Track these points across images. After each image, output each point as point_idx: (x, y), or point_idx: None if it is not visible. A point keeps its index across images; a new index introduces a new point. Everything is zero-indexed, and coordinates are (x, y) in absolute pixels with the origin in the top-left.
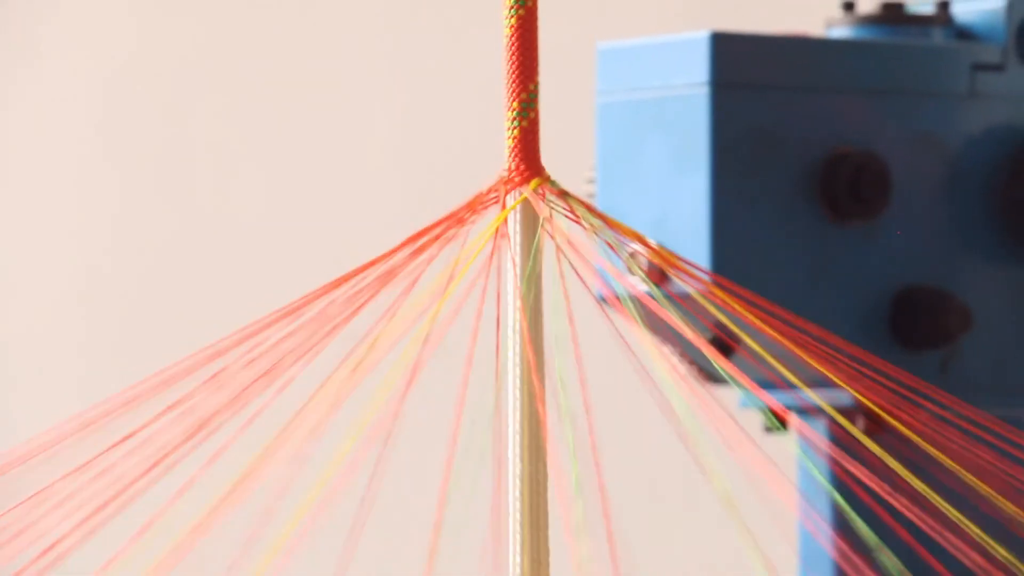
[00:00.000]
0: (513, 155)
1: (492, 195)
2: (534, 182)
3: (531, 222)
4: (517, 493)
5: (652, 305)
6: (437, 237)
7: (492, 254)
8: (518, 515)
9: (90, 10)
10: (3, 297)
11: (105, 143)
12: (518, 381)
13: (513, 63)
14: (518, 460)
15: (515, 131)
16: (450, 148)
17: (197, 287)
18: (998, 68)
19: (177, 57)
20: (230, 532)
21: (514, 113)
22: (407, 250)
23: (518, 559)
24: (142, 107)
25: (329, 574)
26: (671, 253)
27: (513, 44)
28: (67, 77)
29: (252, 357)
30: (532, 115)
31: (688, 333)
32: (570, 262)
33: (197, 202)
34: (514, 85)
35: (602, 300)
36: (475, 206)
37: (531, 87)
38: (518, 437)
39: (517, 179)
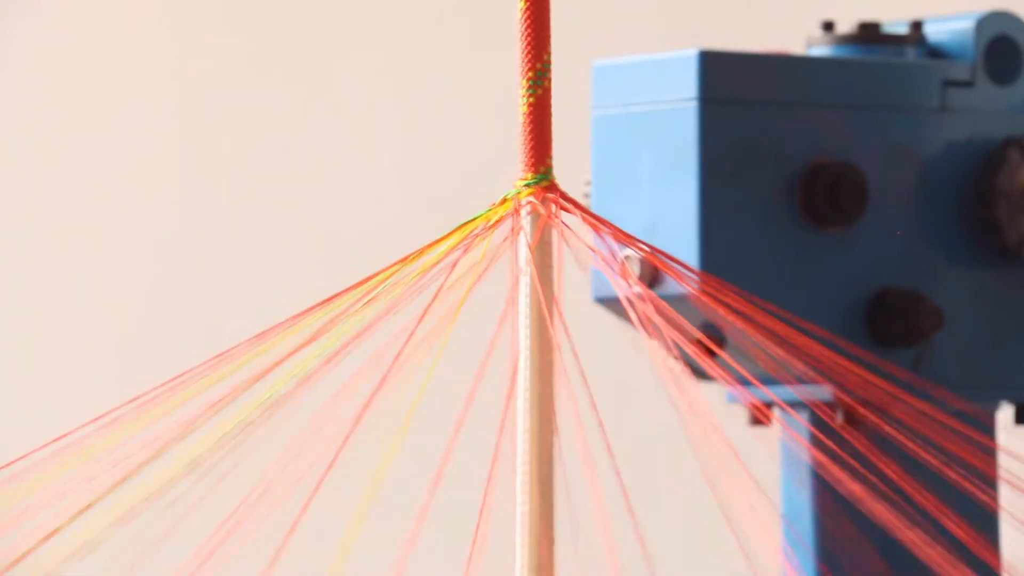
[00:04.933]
0: (526, 166)
1: (507, 204)
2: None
3: (545, 234)
4: (524, 490)
5: (645, 305)
6: (465, 239)
7: (477, 256)
8: (525, 511)
9: (106, 13)
10: (24, 296)
11: (127, 147)
12: (529, 379)
13: (531, 142)
14: (526, 458)
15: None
16: (468, 157)
17: (208, 290)
18: (968, 84)
19: (195, 65)
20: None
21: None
22: (434, 252)
23: (524, 556)
24: (162, 113)
25: (334, 571)
26: (664, 255)
27: (531, 125)
28: (86, 75)
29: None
30: (545, 120)
31: (678, 331)
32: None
33: (212, 204)
34: (529, 166)
35: (601, 301)
36: (496, 214)
37: (547, 163)
38: (527, 434)
39: (530, 189)
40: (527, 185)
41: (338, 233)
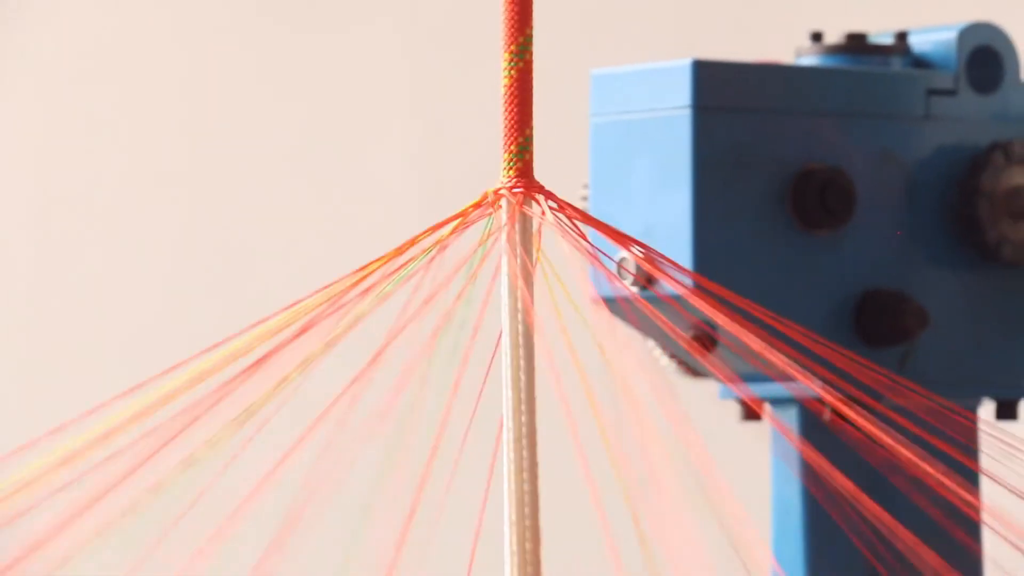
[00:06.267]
0: (507, 137)
1: (488, 201)
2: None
3: (526, 228)
4: (511, 489)
5: (640, 306)
6: (443, 238)
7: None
8: (511, 510)
9: (117, 17)
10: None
11: (136, 145)
12: (513, 377)
13: (511, 112)
14: (511, 458)
15: (513, 165)
16: (456, 160)
17: (216, 292)
18: (951, 93)
19: (205, 68)
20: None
21: (511, 154)
22: (412, 251)
23: (513, 552)
24: (173, 117)
25: (330, 570)
26: (658, 256)
27: (511, 96)
28: (98, 79)
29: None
30: (526, 92)
31: (672, 330)
32: (549, 268)
33: (219, 207)
34: (511, 133)
35: (594, 302)
36: (473, 210)
37: (527, 132)
38: (512, 434)
39: (513, 188)
40: (508, 162)
41: (344, 234)
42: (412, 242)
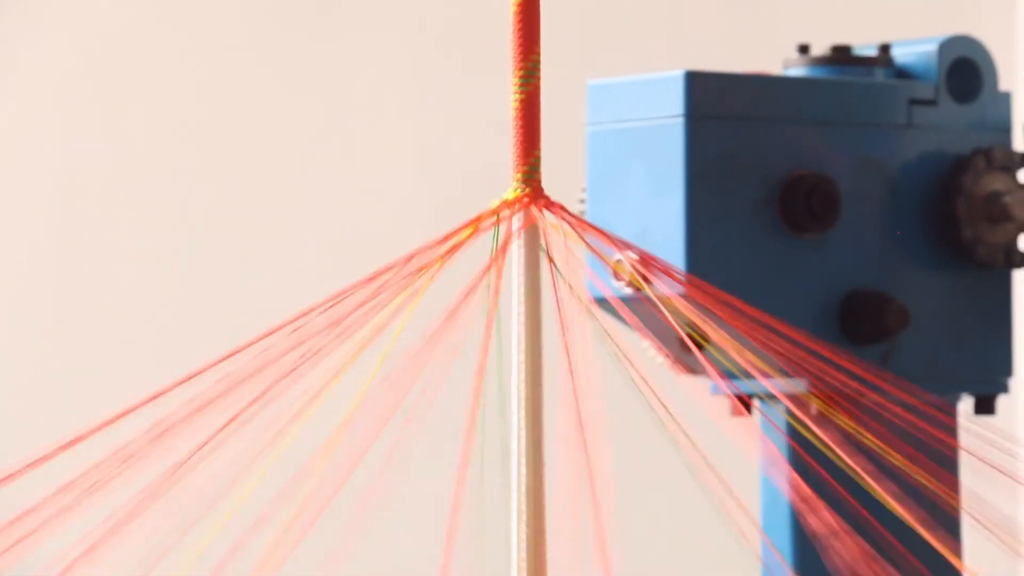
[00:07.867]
0: (517, 157)
1: (501, 211)
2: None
3: (533, 234)
4: (520, 484)
5: (636, 305)
6: (459, 244)
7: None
8: (521, 506)
9: (134, 24)
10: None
11: (154, 153)
12: (521, 376)
13: (520, 135)
14: (521, 454)
15: (527, 182)
16: (476, 164)
17: (227, 294)
18: (931, 103)
19: (221, 81)
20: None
21: (522, 174)
22: (423, 257)
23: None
24: (191, 123)
25: (332, 569)
26: (653, 258)
27: (521, 118)
28: (119, 85)
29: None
30: (534, 112)
31: (666, 328)
32: (557, 269)
33: (231, 212)
34: (520, 153)
35: (593, 302)
36: (487, 217)
37: (535, 154)
38: (521, 427)
39: (523, 199)
40: (519, 181)
41: (354, 238)
42: (428, 247)
